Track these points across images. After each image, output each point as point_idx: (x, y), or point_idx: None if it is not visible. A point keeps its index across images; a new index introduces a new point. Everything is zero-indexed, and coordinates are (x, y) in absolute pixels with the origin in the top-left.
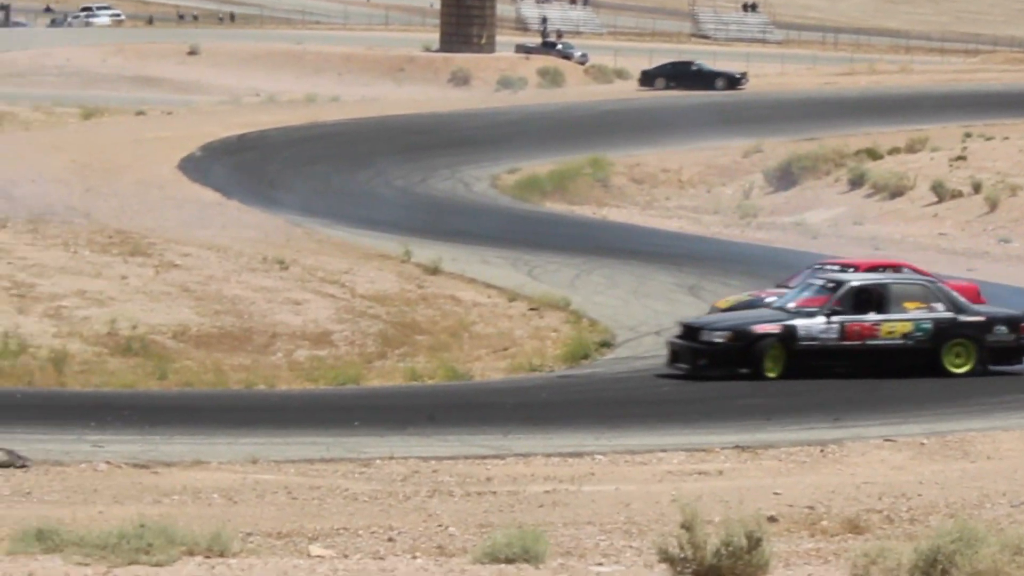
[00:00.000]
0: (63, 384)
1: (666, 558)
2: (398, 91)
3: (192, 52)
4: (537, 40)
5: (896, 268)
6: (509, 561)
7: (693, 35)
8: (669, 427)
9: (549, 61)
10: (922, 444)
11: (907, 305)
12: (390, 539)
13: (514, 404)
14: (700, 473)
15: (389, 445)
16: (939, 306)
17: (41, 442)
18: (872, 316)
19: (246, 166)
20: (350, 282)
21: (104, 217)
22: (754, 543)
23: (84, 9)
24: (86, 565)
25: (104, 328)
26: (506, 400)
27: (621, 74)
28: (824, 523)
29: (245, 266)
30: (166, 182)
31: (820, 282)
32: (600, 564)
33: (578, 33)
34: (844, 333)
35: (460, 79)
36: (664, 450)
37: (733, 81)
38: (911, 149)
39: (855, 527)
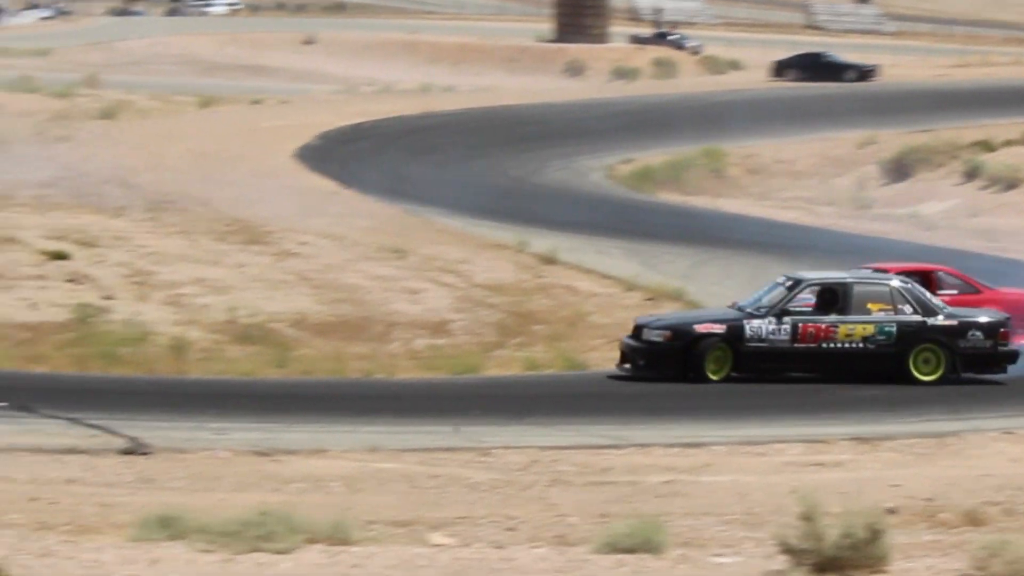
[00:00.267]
0: (183, 371)
1: (787, 549)
2: (512, 81)
3: (309, 41)
4: (650, 30)
5: (926, 274)
6: (629, 551)
7: (806, 26)
8: (787, 418)
9: (662, 52)
10: None
11: (871, 307)
12: (510, 528)
13: (631, 394)
14: (818, 464)
15: (508, 434)
16: (906, 309)
17: (163, 429)
18: (830, 317)
19: (362, 155)
20: (467, 271)
21: (222, 205)
22: (874, 535)
23: None
24: (210, 552)
25: (223, 316)
26: (623, 390)
27: (734, 65)
28: (943, 515)
29: (362, 255)
30: (282, 171)
31: (781, 280)
32: (719, 555)
33: (691, 24)
34: (797, 335)
35: (574, 69)
36: (782, 441)
37: (864, 73)
38: None
39: (974, 519)
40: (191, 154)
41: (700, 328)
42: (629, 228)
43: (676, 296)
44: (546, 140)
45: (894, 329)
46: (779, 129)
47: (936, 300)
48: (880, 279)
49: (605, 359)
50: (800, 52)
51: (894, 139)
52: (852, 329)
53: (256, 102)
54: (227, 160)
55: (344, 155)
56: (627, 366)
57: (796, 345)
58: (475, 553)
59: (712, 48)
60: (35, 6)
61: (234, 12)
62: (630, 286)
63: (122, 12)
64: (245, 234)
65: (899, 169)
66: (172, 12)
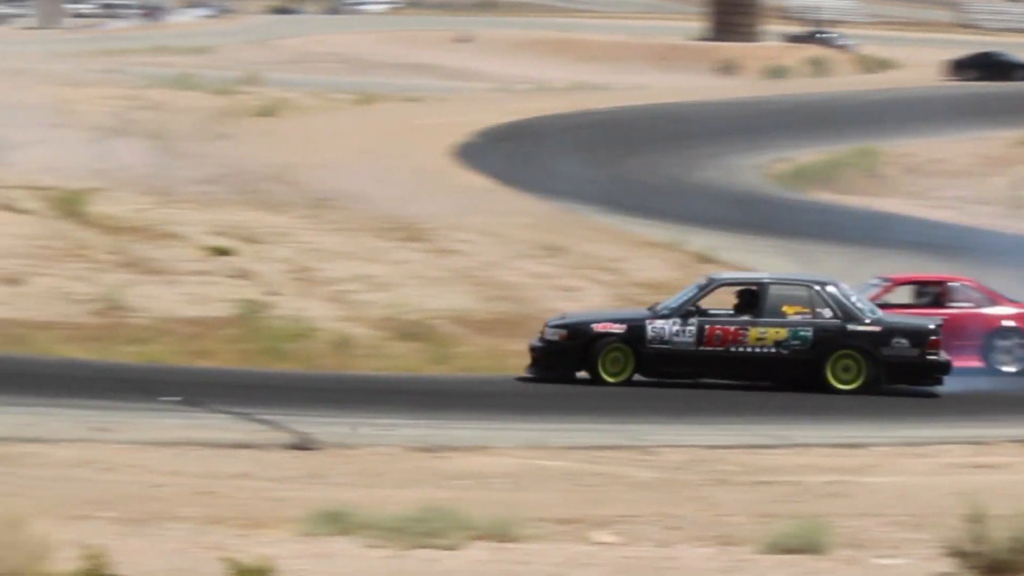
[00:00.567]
0: (346, 367)
1: (954, 552)
2: (664, 79)
3: (465, 40)
4: (803, 29)
5: (941, 283)
6: (793, 551)
7: (958, 24)
8: (949, 419)
9: (815, 50)
10: None
11: (786, 309)
12: (672, 527)
13: (792, 395)
14: (982, 466)
15: (669, 432)
16: (825, 312)
17: (329, 425)
18: (740, 319)
19: (518, 153)
20: (623, 269)
21: (380, 202)
22: None
23: None
24: (378, 547)
25: (385, 312)
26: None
27: (887, 64)
28: None
29: (519, 252)
30: (440, 168)
31: (701, 280)
32: (883, 557)
33: (844, 22)
34: (703, 337)
35: (726, 68)
36: (945, 442)
37: None
38: None
39: None
40: (350, 151)
41: (598, 327)
42: (783, 227)
43: None
44: (698, 138)
45: (810, 334)
46: (937, 128)
47: (866, 305)
48: (802, 280)
49: None
50: (975, 52)
51: None
52: (764, 332)
53: (412, 100)
54: (385, 157)
55: (500, 153)
56: (533, 368)
57: (702, 348)
58: (639, 552)
59: (866, 47)
60: (196, 4)
61: (392, 10)
62: None
63: (281, 10)
64: (405, 231)
65: None
66: (330, 10)
